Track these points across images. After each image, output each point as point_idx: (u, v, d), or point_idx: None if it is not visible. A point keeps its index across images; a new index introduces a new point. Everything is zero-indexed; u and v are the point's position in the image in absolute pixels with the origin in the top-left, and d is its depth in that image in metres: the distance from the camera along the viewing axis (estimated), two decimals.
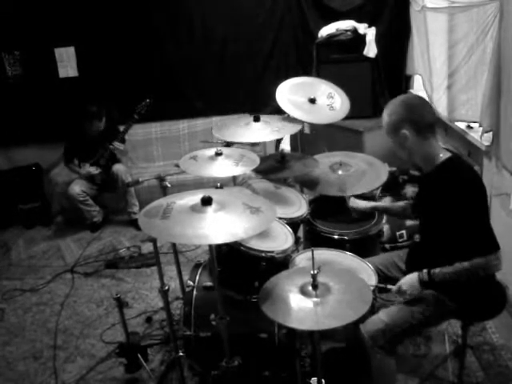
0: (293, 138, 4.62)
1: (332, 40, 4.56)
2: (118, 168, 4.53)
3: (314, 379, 1.82)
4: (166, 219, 1.71)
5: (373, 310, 2.14)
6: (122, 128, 4.50)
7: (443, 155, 1.99)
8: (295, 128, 2.62)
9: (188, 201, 1.80)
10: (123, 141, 4.55)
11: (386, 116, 2.04)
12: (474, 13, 3.07)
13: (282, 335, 2.22)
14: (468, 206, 1.88)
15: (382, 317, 2.03)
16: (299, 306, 1.65)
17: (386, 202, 3.40)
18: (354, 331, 2.11)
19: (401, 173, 3.97)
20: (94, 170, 4.50)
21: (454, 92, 3.52)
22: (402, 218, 3.20)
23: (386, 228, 3.52)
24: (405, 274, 2.23)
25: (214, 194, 1.78)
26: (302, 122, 2.71)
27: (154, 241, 2.34)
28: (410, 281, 2.01)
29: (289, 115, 2.72)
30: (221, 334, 1.94)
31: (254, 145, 4.28)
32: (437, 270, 1.94)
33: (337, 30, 4.56)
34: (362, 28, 4.49)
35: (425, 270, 1.98)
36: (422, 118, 1.97)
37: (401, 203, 2.51)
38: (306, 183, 2.78)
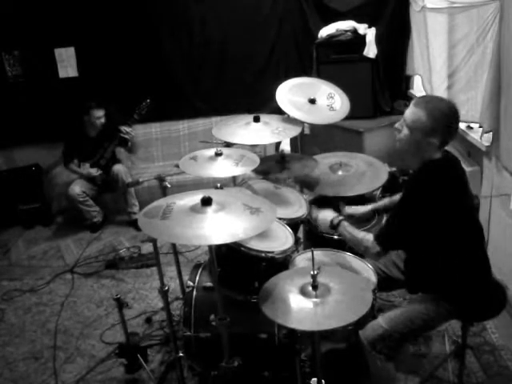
0: (293, 138, 4.62)
1: (332, 40, 4.56)
2: (118, 168, 4.53)
3: (313, 380, 1.82)
4: (165, 220, 1.71)
5: (373, 311, 2.13)
6: (122, 128, 4.52)
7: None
8: (295, 131, 2.62)
9: (188, 201, 1.80)
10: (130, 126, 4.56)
11: (424, 114, 1.88)
12: (474, 13, 3.07)
13: (282, 335, 2.22)
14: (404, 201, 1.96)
15: (381, 322, 2.01)
16: (299, 307, 1.65)
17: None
18: (353, 332, 2.10)
19: (401, 173, 3.97)
20: (94, 172, 4.50)
21: (454, 92, 3.52)
22: None
23: None
24: (404, 273, 2.24)
25: (213, 194, 1.78)
26: (301, 123, 2.71)
27: (153, 241, 2.34)
28: (325, 216, 2.24)
29: (289, 116, 2.72)
30: (221, 334, 1.94)
31: (253, 145, 4.28)
32: (345, 224, 2.13)
33: (337, 30, 4.56)
34: (361, 28, 4.49)
35: (340, 217, 2.18)
36: (452, 134, 1.93)
37: (398, 197, 2.47)
38: (306, 183, 2.78)
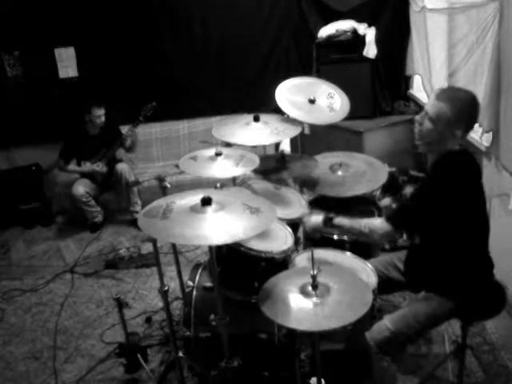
0: (293, 138, 4.62)
1: (332, 40, 4.57)
2: (122, 167, 4.52)
3: (313, 379, 1.82)
4: (165, 219, 1.71)
5: (372, 311, 2.13)
6: (123, 128, 4.52)
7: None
8: (295, 131, 2.61)
9: (188, 201, 1.80)
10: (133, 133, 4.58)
11: (447, 107, 1.87)
12: (473, 13, 3.07)
13: (282, 335, 2.22)
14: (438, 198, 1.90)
15: (388, 324, 2.01)
16: (299, 307, 1.65)
17: (385, 201, 3.39)
18: (353, 332, 2.10)
19: (401, 173, 3.96)
20: (100, 168, 4.48)
21: None
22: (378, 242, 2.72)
23: None
24: (403, 274, 2.23)
25: (213, 194, 1.78)
26: (301, 123, 2.71)
27: (153, 241, 2.34)
28: (317, 216, 2.24)
29: (288, 116, 2.72)
30: (220, 334, 1.94)
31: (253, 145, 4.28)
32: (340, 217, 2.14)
33: (337, 30, 4.57)
34: (361, 28, 4.50)
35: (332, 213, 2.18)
36: (473, 124, 1.94)
37: (377, 223, 2.09)
38: (306, 183, 2.78)
